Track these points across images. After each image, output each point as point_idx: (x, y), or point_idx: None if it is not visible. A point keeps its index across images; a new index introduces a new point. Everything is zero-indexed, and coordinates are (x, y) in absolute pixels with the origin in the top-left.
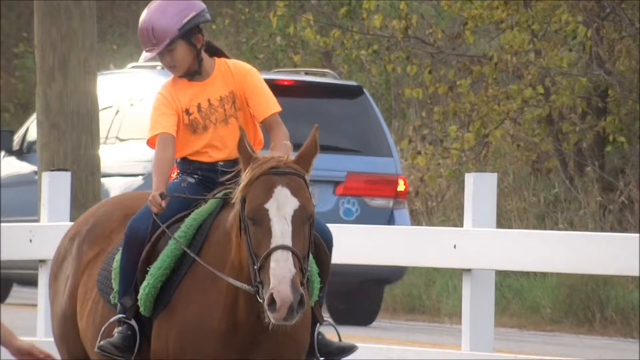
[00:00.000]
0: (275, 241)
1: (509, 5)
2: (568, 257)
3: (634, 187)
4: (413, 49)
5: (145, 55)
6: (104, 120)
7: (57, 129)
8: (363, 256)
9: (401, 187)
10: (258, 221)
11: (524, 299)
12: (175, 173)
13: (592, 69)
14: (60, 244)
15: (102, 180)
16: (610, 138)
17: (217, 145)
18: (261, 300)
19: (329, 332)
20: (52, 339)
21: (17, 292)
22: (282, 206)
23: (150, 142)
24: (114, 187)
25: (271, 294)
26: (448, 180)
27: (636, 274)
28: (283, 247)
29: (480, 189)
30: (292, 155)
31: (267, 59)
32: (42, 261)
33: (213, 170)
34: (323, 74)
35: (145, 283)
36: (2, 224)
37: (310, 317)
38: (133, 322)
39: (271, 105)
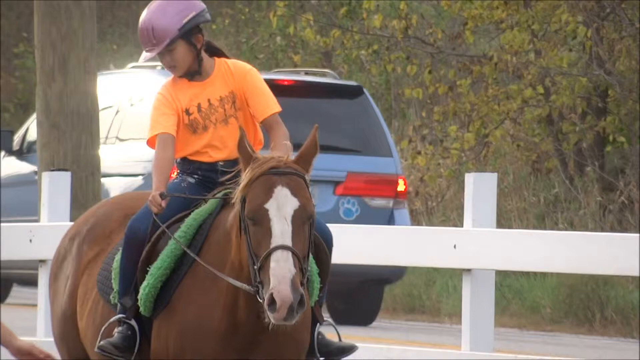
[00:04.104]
0: (275, 241)
1: (509, 5)
2: (568, 257)
3: (634, 187)
4: (413, 49)
5: (145, 55)
6: (104, 120)
7: (57, 129)
8: (363, 256)
9: (401, 187)
10: (258, 221)
11: (524, 299)
12: (175, 173)
13: (592, 69)
14: (60, 244)
15: (102, 180)
16: (610, 138)
17: (217, 145)
18: (261, 300)
19: (329, 332)
20: (52, 339)
21: (17, 292)
22: (282, 206)
23: (150, 142)
24: (114, 187)
25: (271, 294)
26: (448, 180)
27: (636, 274)
28: (283, 247)
29: (480, 189)
30: (292, 155)
31: (267, 59)
32: (42, 261)
33: (213, 170)
34: (323, 74)
35: (145, 283)
36: (2, 224)
37: (310, 317)
38: (133, 322)
39: (271, 105)
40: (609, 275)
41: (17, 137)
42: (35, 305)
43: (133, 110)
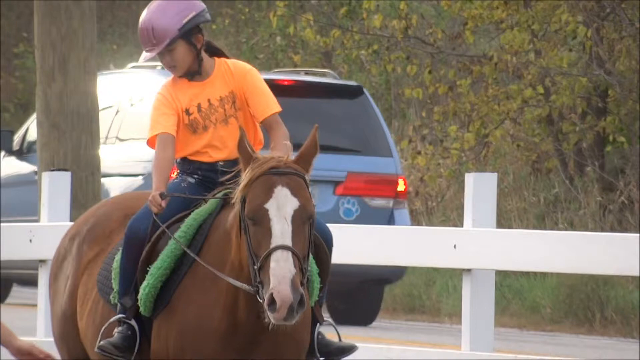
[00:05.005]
0: (275, 241)
1: (509, 5)
2: (568, 257)
3: (634, 187)
4: (413, 49)
5: (145, 55)
6: (104, 120)
7: (57, 129)
8: (363, 256)
9: (401, 187)
10: (258, 221)
11: (524, 299)
12: (175, 173)
13: (592, 69)
14: (60, 244)
15: (102, 180)
16: (610, 138)
17: (217, 145)
18: (261, 300)
19: (329, 332)
20: (52, 339)
21: (17, 292)
22: (282, 206)
23: (150, 142)
24: (114, 187)
25: (271, 294)
26: (448, 180)
27: (636, 274)
28: (283, 247)
29: (480, 189)
30: (292, 155)
31: (267, 59)
32: (42, 261)
33: (213, 170)
34: (323, 74)
35: (145, 283)
36: (2, 224)
37: (310, 317)
38: (133, 322)
39: (271, 105)
40: (609, 275)
41: (17, 137)
42: (35, 305)
43: (133, 110)
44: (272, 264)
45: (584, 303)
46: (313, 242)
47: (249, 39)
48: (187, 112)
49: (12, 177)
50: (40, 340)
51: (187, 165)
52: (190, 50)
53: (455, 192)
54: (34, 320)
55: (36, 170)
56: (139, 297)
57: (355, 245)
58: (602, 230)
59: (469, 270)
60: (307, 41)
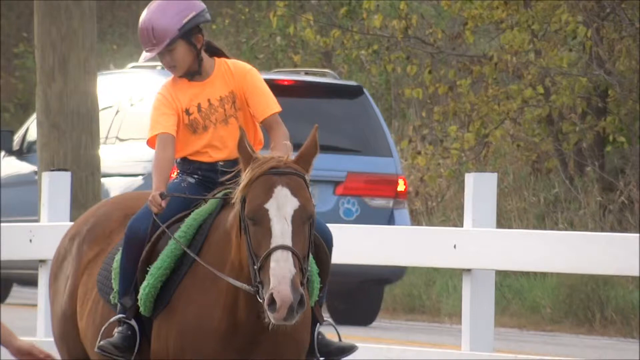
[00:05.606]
0: (275, 241)
1: (509, 5)
2: (568, 257)
3: (634, 187)
4: (413, 49)
5: (145, 55)
6: (104, 120)
7: (57, 129)
8: (363, 256)
9: (401, 187)
10: (258, 221)
11: (524, 299)
12: (175, 173)
13: (592, 69)
14: (60, 244)
15: (102, 180)
16: (610, 138)
17: (217, 145)
18: (261, 300)
19: (329, 332)
20: (52, 339)
21: (17, 292)
22: (282, 206)
23: (150, 142)
24: (114, 187)
25: (271, 294)
26: (448, 180)
27: (636, 274)
28: (283, 247)
29: (480, 189)
30: (292, 155)
31: (267, 59)
32: (42, 261)
33: (213, 170)
34: (323, 74)
35: (145, 283)
36: (2, 224)
37: (310, 317)
38: (133, 322)
39: (271, 105)
40: (609, 275)
41: (17, 137)
42: (35, 305)
43: (133, 110)
44: (272, 264)
45: (584, 303)
46: (313, 242)
47: (249, 39)
48: (187, 112)
49: (12, 177)
50: (40, 340)
51: (187, 165)
52: (190, 50)
53: (455, 192)
54: (34, 320)
55: (36, 170)
56: (139, 297)
57: (355, 245)
58: (602, 230)
59: (469, 270)
60: (307, 41)
